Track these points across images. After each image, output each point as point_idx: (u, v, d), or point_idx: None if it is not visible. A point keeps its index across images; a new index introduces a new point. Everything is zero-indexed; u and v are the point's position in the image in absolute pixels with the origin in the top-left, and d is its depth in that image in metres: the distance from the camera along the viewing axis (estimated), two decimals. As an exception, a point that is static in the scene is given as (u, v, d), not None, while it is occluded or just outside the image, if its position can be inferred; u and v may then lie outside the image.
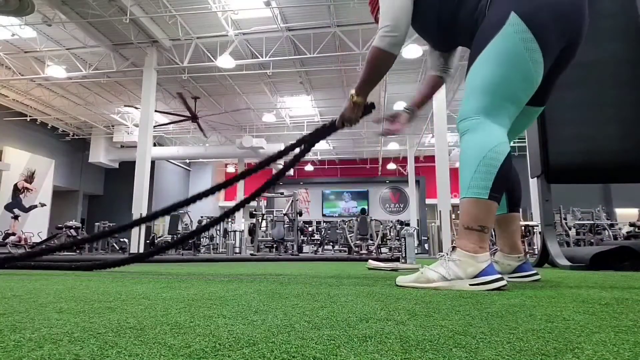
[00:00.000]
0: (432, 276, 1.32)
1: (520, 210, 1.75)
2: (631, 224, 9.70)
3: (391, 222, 12.27)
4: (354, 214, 19.20)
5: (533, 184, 9.96)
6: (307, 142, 2.18)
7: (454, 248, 1.34)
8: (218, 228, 14.02)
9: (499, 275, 1.27)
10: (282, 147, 15.94)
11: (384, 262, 3.14)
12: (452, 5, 1.52)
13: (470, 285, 1.25)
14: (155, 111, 11.05)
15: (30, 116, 13.86)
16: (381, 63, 1.56)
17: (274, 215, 10.57)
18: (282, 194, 11.94)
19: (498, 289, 1.23)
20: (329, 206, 22.38)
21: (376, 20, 1.64)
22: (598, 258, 2.51)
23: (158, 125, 14.50)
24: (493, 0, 1.43)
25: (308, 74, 11.74)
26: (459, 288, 1.25)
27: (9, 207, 13.18)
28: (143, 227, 9.49)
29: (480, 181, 1.30)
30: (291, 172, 20.85)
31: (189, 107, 12.10)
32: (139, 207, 9.50)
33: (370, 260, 2.86)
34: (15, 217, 12.42)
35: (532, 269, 1.66)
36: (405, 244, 3.26)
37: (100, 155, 16.25)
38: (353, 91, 1.69)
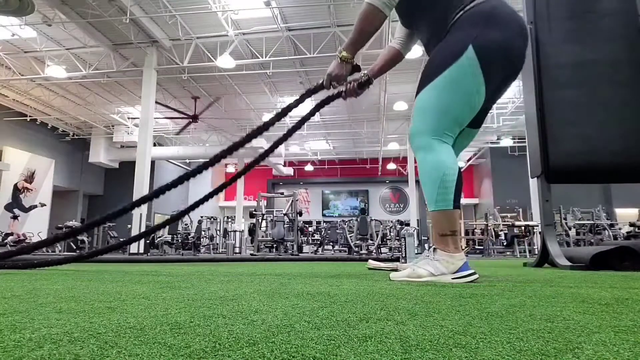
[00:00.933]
0: (422, 273, 1.54)
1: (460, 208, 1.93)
2: (631, 224, 9.71)
3: (391, 222, 12.28)
4: (354, 214, 19.21)
5: (533, 184, 9.97)
6: (294, 106, 2.17)
7: (434, 249, 1.57)
8: (218, 228, 14.02)
9: (473, 271, 1.54)
10: (282, 147, 15.73)
11: (384, 262, 3.14)
12: None
13: (452, 278, 1.50)
14: (157, 102, 11.05)
15: (30, 116, 13.86)
16: (371, 22, 1.66)
17: (274, 215, 10.57)
18: (282, 194, 11.94)
19: (473, 281, 1.50)
20: (329, 206, 22.39)
21: None
22: (598, 258, 2.51)
23: (179, 132, 14.52)
24: (458, 23, 1.61)
25: (308, 74, 11.74)
26: (444, 281, 1.48)
27: (9, 207, 13.17)
28: (143, 227, 9.48)
29: (444, 196, 1.55)
30: (291, 171, 20.88)
31: (178, 110, 12.12)
32: (139, 208, 9.50)
33: (370, 260, 2.86)
34: (14, 217, 12.41)
35: (470, 268, 1.82)
36: (405, 244, 3.26)
37: (100, 155, 16.25)
38: (341, 47, 1.77)
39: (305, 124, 2.46)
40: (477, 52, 1.53)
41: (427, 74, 1.62)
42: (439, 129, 1.58)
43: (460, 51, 1.55)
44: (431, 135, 1.59)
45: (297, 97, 2.15)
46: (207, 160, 2.17)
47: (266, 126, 2.14)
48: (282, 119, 2.28)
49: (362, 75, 1.93)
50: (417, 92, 1.65)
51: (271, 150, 2.28)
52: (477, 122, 1.76)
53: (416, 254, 2.92)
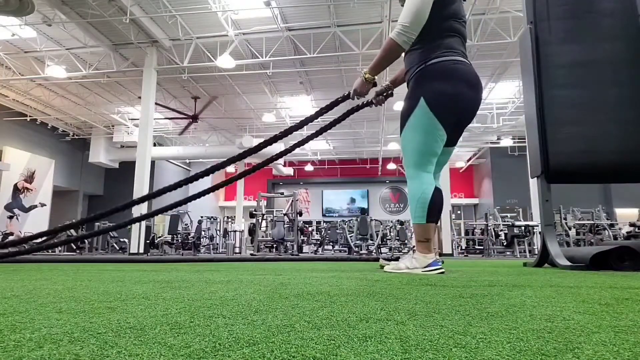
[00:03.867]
0: (401, 266, 2.11)
1: (438, 222, 2.46)
2: (631, 224, 9.71)
3: (391, 222, 12.27)
4: (354, 213, 19.20)
5: (533, 184, 9.96)
6: (324, 112, 2.56)
7: (414, 250, 2.12)
8: (218, 228, 14.02)
9: (440, 266, 2.05)
10: (282, 146, 15.89)
11: (389, 261, 3.19)
12: (424, 34, 2.06)
13: (422, 271, 2.01)
14: (156, 103, 11.04)
15: (30, 116, 13.85)
16: (392, 53, 2.10)
17: (274, 215, 10.57)
18: (282, 194, 11.93)
19: (439, 273, 1.98)
20: (329, 206, 22.37)
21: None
22: (598, 258, 2.51)
23: (181, 132, 14.51)
24: (418, 76, 2.10)
25: (308, 74, 11.73)
26: (416, 273, 1.97)
27: (9, 207, 13.18)
28: (143, 226, 9.48)
29: (420, 213, 2.07)
30: (291, 171, 20.89)
31: (177, 110, 12.08)
32: (139, 207, 9.50)
33: (381, 259, 2.95)
34: (11, 217, 12.41)
35: (439, 264, 2.24)
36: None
37: (100, 155, 16.24)
38: (366, 69, 2.21)
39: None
40: (427, 102, 2.03)
41: (401, 122, 2.15)
42: (418, 162, 2.10)
43: (415, 103, 2.07)
44: (414, 167, 2.11)
45: (329, 103, 2.55)
46: (216, 164, 2.34)
47: (293, 129, 2.62)
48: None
49: (386, 86, 2.40)
50: (400, 134, 2.19)
51: (297, 146, 2.67)
52: (451, 142, 2.24)
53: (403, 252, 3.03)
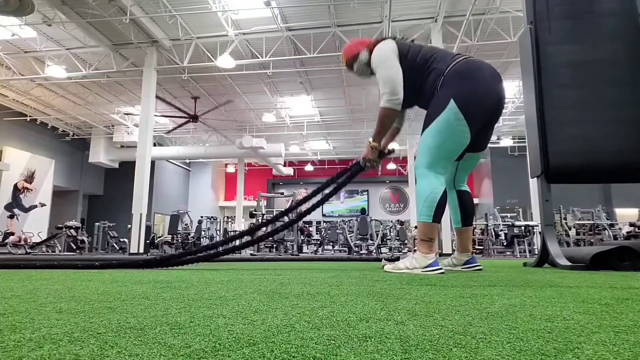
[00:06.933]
0: (401, 266, 2.13)
1: (473, 224, 2.49)
2: (631, 224, 9.71)
3: (391, 222, 12.27)
4: (354, 213, 19.19)
5: (533, 184, 9.96)
6: (338, 181, 2.74)
7: (415, 251, 2.14)
8: (218, 228, 14.04)
9: (440, 266, 2.05)
10: (282, 147, 15.75)
11: (390, 262, 3.20)
12: (420, 79, 2.21)
13: (422, 271, 2.02)
14: (158, 97, 11.04)
15: (30, 116, 13.85)
16: (389, 118, 2.24)
17: (274, 215, 10.55)
18: (282, 194, 11.93)
19: (440, 274, 1.99)
20: (329, 206, 22.35)
21: (349, 67, 2.43)
22: (598, 258, 2.51)
23: (170, 130, 14.52)
24: (442, 84, 2.12)
25: (308, 74, 11.73)
26: (416, 273, 1.99)
27: (9, 207, 13.17)
28: (143, 227, 9.47)
29: (426, 212, 2.09)
30: (291, 172, 20.91)
31: (178, 108, 12.08)
32: (139, 207, 9.50)
33: (383, 260, 2.97)
34: (11, 217, 12.39)
35: (476, 262, 2.42)
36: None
37: (100, 155, 16.23)
38: (371, 139, 2.38)
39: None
40: (457, 103, 2.04)
41: (426, 122, 2.15)
42: (432, 163, 2.12)
43: (444, 104, 2.07)
44: (426, 167, 2.13)
45: (344, 173, 2.70)
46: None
47: (323, 187, 2.78)
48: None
49: (387, 151, 2.54)
50: (421, 134, 2.19)
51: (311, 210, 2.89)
52: (478, 148, 2.30)
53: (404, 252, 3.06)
